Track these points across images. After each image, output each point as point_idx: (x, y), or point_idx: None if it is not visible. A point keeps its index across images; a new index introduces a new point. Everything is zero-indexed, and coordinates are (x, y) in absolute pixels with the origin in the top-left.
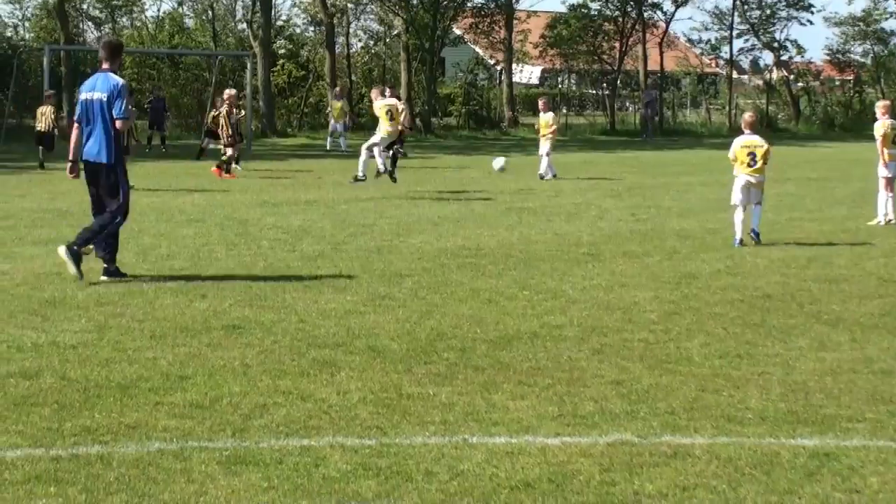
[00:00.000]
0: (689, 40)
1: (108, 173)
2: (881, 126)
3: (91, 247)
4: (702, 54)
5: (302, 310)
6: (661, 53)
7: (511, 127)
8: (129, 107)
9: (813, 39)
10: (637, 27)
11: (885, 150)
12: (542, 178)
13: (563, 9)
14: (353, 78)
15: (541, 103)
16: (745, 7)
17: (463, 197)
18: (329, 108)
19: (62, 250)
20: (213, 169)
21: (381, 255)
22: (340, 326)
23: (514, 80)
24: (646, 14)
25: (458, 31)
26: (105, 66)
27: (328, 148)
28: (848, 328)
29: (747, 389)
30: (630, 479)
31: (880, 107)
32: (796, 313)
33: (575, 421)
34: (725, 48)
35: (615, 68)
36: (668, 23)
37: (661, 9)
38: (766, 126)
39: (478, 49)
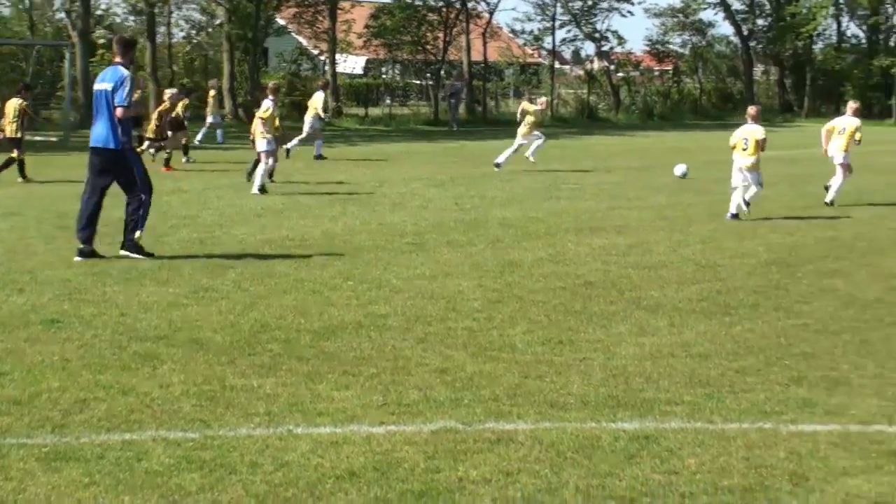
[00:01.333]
0: (513, 31)
1: (116, 158)
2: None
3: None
4: (525, 45)
5: (123, 303)
6: (485, 44)
7: (335, 117)
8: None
9: (633, 30)
10: (461, 17)
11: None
12: (497, 165)
13: None
14: (175, 69)
15: (542, 101)
16: None
17: (287, 188)
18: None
19: (124, 253)
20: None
21: (203, 246)
22: (162, 319)
23: (338, 70)
24: (469, 4)
25: (281, 21)
26: (117, 59)
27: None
28: (667, 313)
29: (569, 375)
30: (454, 465)
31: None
32: (617, 300)
33: (399, 409)
34: (548, 39)
35: (439, 59)
36: (491, 13)
37: None
38: (587, 116)
39: (301, 39)
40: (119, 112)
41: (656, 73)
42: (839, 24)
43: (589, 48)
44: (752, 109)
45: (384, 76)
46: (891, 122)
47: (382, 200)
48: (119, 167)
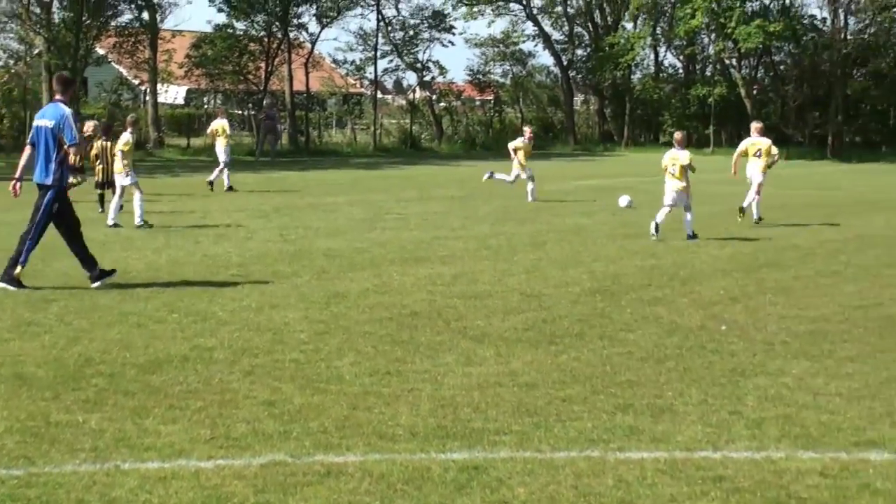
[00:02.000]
0: (335, 61)
1: (45, 191)
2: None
3: None
4: (347, 74)
5: None
6: (307, 74)
7: (156, 148)
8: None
9: (455, 60)
10: (283, 48)
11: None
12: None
13: (208, 28)
14: None
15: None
16: (389, 28)
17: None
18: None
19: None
20: None
21: (26, 280)
22: None
23: (159, 100)
24: (291, 34)
25: (101, 51)
26: (58, 97)
27: None
28: (493, 343)
29: (397, 406)
30: (284, 499)
31: (756, 128)
32: (443, 330)
33: (228, 443)
34: (370, 69)
35: (261, 88)
36: (313, 43)
37: (307, 29)
38: (409, 146)
39: (122, 69)
40: (72, 150)
41: (478, 103)
42: (657, 54)
43: (411, 78)
44: (678, 135)
45: (206, 106)
46: (709, 152)
47: (206, 232)
48: (39, 202)
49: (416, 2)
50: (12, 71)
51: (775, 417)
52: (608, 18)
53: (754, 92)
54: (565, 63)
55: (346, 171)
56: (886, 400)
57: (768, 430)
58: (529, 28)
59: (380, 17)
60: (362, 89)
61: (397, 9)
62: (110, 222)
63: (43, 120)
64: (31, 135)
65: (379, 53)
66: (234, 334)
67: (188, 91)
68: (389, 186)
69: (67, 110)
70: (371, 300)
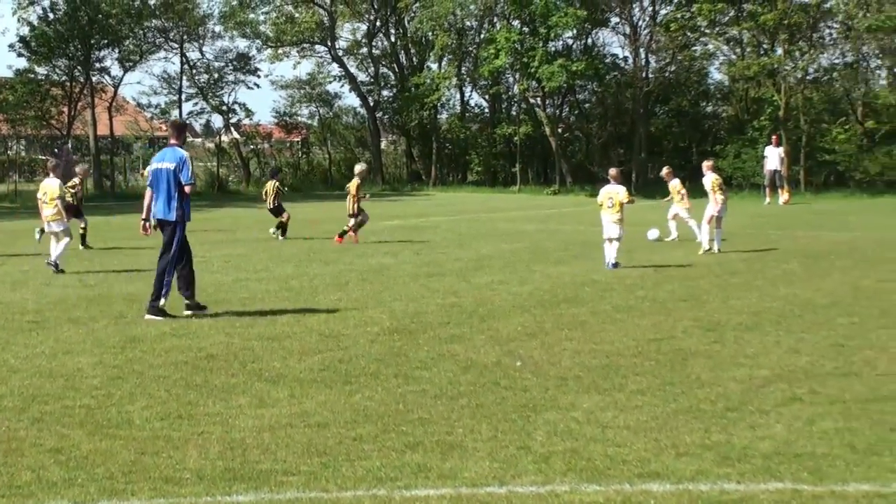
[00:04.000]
0: (139, 104)
1: (173, 227)
2: (710, 180)
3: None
4: (152, 118)
5: None
6: (111, 118)
7: None
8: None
9: (261, 102)
10: (85, 92)
11: (713, 195)
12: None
13: (9, 73)
14: None
15: (665, 172)
16: (194, 71)
17: None
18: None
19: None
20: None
21: None
22: None
23: None
24: (94, 78)
25: None
26: (173, 140)
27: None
28: (288, 384)
29: (186, 450)
30: None
31: (706, 165)
32: (238, 372)
33: (11, 492)
34: (175, 112)
35: (65, 133)
36: (116, 87)
37: (110, 73)
38: (217, 189)
39: None
40: (188, 189)
41: (287, 145)
42: (462, 94)
43: (218, 121)
44: (613, 171)
45: (9, 152)
46: (515, 189)
47: (3, 278)
48: (167, 236)
49: (220, 44)
50: None
51: (563, 451)
52: (413, 59)
53: (559, 130)
54: (371, 104)
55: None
56: (672, 432)
57: (555, 464)
58: (335, 69)
59: (183, 59)
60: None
61: (201, 52)
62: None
63: (163, 163)
64: (148, 179)
65: (184, 96)
66: (25, 381)
67: None
68: (193, 229)
69: (186, 154)
70: (167, 344)
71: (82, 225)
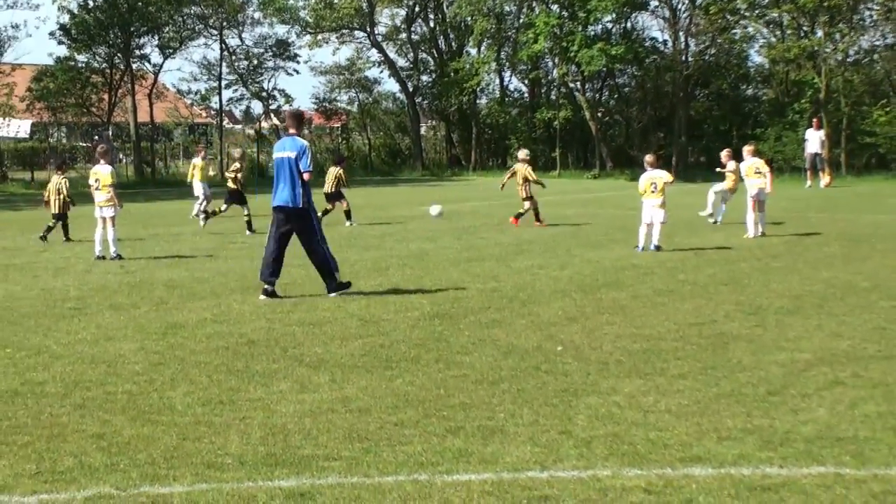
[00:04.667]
0: (179, 91)
1: (299, 215)
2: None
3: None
4: (192, 105)
5: None
6: (151, 104)
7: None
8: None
9: (301, 88)
10: (126, 79)
11: (748, 180)
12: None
13: (49, 61)
14: None
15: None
16: (233, 58)
17: None
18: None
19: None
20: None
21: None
22: None
23: (2, 134)
24: (134, 66)
25: None
26: (292, 130)
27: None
28: (329, 369)
29: (228, 435)
30: None
31: (748, 150)
32: (279, 357)
33: (53, 477)
34: (215, 98)
35: (105, 120)
36: (156, 74)
37: (150, 60)
38: (258, 175)
39: None
40: (306, 176)
41: (326, 131)
42: (502, 78)
43: (257, 107)
44: (649, 157)
45: (50, 139)
46: (555, 174)
47: (46, 266)
48: (301, 223)
49: (259, 31)
50: None
51: (604, 436)
52: (452, 44)
53: (599, 114)
54: (411, 89)
55: (191, 201)
56: (714, 416)
57: (596, 449)
58: (374, 55)
59: (223, 46)
60: (209, 119)
61: (241, 38)
62: (113, 254)
63: (284, 152)
64: (276, 168)
65: (224, 83)
66: (67, 368)
67: (32, 125)
68: (233, 215)
69: (306, 143)
70: (209, 329)
71: (246, 212)
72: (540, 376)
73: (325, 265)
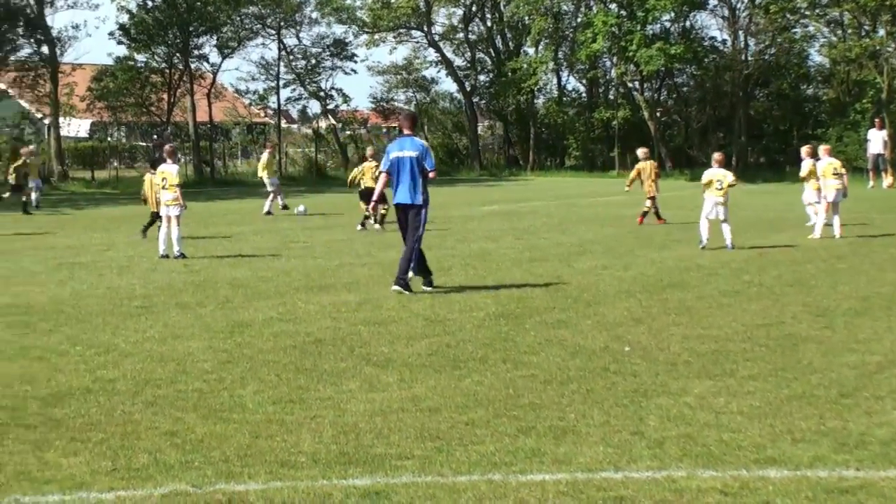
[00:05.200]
0: (237, 91)
1: (417, 211)
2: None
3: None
4: (250, 104)
5: None
6: (210, 104)
7: (61, 181)
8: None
9: (358, 88)
10: (185, 78)
11: (825, 181)
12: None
13: (109, 61)
14: None
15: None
16: (291, 57)
17: (11, 253)
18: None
19: (394, 288)
20: None
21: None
22: None
23: (62, 133)
24: (193, 65)
25: (1, 86)
26: (407, 131)
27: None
28: (397, 369)
29: (300, 433)
30: None
31: (823, 149)
32: (347, 356)
33: (129, 474)
34: (273, 98)
35: (164, 120)
36: (215, 74)
37: (208, 60)
38: (315, 174)
39: (23, 103)
40: (432, 175)
41: (384, 131)
42: (559, 78)
43: (315, 107)
44: (717, 155)
45: (109, 139)
46: (614, 174)
47: (110, 264)
48: (415, 218)
49: (316, 30)
50: None
51: (677, 437)
52: (510, 44)
53: (658, 114)
54: (468, 89)
55: (251, 200)
56: (787, 417)
57: (669, 450)
58: (432, 55)
59: (281, 46)
60: (267, 118)
61: (298, 38)
62: (177, 252)
63: (404, 151)
64: (386, 164)
65: (281, 83)
66: (137, 366)
67: (91, 124)
68: (295, 215)
69: (425, 143)
70: (275, 328)
71: (385, 206)
72: (609, 377)
73: (408, 262)
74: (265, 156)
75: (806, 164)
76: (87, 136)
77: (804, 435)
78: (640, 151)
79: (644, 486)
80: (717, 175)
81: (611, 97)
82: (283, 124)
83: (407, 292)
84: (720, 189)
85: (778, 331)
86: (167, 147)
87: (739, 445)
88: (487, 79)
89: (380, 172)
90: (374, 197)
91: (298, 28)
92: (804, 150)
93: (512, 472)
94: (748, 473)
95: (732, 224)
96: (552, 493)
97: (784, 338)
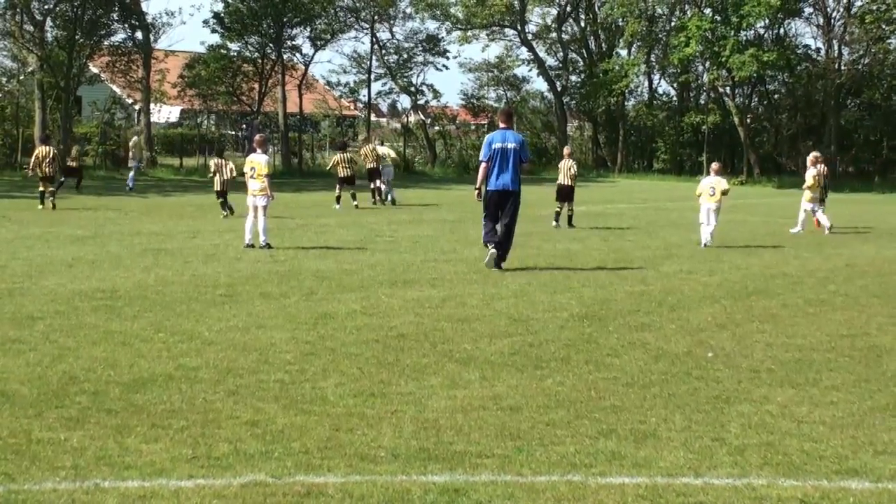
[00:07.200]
0: (328, 83)
1: (516, 197)
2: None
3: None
4: (340, 97)
5: None
6: (301, 96)
7: (150, 167)
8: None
9: (449, 84)
10: (276, 69)
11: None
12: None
13: (201, 49)
14: None
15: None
16: (383, 51)
17: (99, 237)
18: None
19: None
20: None
21: (11, 297)
22: None
23: (152, 119)
24: (285, 56)
25: (94, 70)
26: (503, 125)
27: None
28: (479, 366)
29: (380, 428)
30: None
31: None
32: (429, 352)
33: (209, 463)
34: (364, 91)
35: (254, 109)
36: (307, 65)
37: (301, 51)
38: (403, 169)
39: (115, 88)
40: (527, 166)
41: (472, 128)
42: (651, 81)
43: (405, 101)
44: (715, 165)
45: (199, 126)
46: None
47: (196, 252)
48: (515, 202)
49: (410, 25)
50: (5, 89)
51: (758, 444)
52: (602, 45)
53: (748, 120)
54: (559, 89)
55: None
56: (869, 429)
57: (750, 457)
58: (524, 53)
59: (374, 40)
60: (356, 112)
61: (391, 32)
62: (263, 242)
63: (507, 143)
64: (486, 154)
65: (373, 76)
66: (220, 354)
67: (182, 111)
68: (380, 209)
69: (522, 136)
70: (358, 322)
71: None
72: (691, 382)
73: (509, 242)
74: (383, 148)
75: None
76: (177, 122)
77: (886, 447)
78: (811, 156)
79: (724, 494)
80: (712, 183)
81: (701, 102)
82: (373, 118)
83: (497, 270)
84: (712, 195)
85: (862, 342)
86: (257, 137)
87: (821, 455)
88: (579, 79)
89: (479, 162)
90: (477, 185)
91: (392, 22)
92: None
93: (591, 474)
94: (829, 484)
95: (717, 230)
96: (631, 497)
97: (868, 349)
